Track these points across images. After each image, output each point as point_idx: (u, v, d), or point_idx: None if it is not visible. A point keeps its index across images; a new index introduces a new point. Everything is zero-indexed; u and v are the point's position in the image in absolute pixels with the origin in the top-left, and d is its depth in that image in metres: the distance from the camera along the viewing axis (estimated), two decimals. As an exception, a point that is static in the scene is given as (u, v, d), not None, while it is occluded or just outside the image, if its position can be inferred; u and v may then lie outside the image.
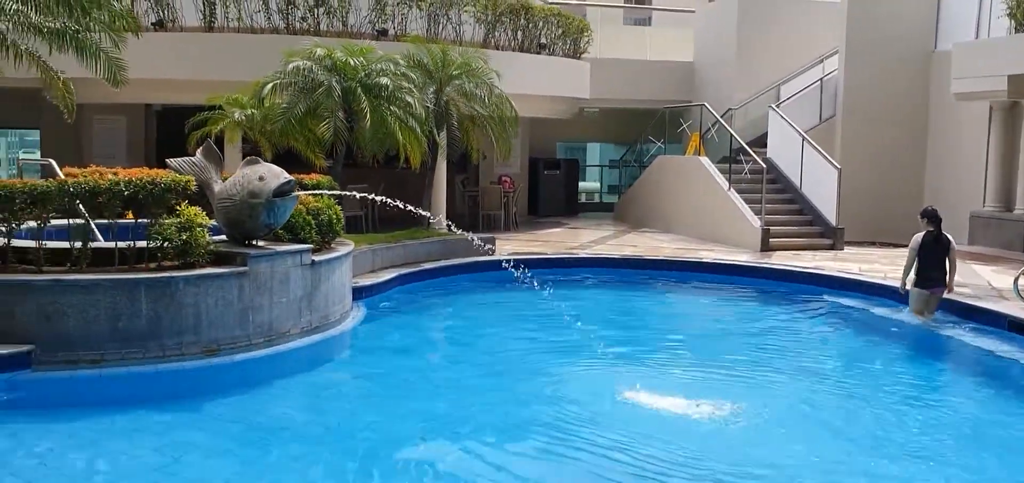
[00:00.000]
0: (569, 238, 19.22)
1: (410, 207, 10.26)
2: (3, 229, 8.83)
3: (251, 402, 8.66)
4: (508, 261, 10.70)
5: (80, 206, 8.96)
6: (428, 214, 11.43)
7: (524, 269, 10.32)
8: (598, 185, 30.14)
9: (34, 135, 35.27)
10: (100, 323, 8.53)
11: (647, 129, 23.79)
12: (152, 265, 9.08)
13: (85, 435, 7.49)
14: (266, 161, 10.51)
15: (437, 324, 12.59)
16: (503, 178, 21.17)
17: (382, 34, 17.20)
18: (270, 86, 12.76)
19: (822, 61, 21.81)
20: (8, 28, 8.10)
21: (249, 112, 13.27)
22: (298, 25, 17.07)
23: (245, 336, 9.32)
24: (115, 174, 9.61)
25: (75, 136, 21.38)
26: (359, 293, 11.92)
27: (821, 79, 21.76)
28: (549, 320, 11.62)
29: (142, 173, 9.32)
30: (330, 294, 10.54)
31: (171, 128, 22.54)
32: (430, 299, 13.37)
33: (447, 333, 12.19)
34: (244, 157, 11.09)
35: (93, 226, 9.47)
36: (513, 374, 9.62)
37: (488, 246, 15.27)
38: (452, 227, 11.16)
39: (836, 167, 17.99)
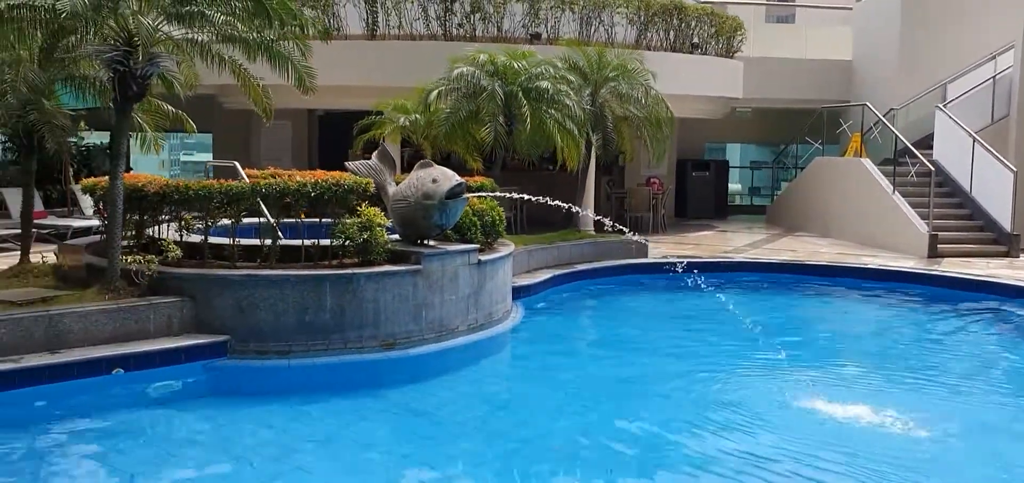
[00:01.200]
0: (720, 241, 18.90)
1: (576, 208, 10.39)
2: (201, 227, 9.54)
3: (425, 393, 9.01)
4: (676, 264, 10.62)
5: (262, 205, 9.55)
6: (598, 217, 11.49)
7: (694, 271, 10.23)
8: (739, 187, 29.42)
9: (192, 139, 37.75)
10: (288, 316, 9.06)
11: (803, 130, 23.05)
12: (334, 262, 9.58)
13: (275, 420, 7.99)
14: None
15: (595, 326, 12.68)
16: (651, 180, 21.04)
17: (535, 38, 17.45)
18: (436, 92, 13.19)
19: (995, 58, 20.52)
20: (212, 39, 8.71)
21: (413, 117, 13.75)
22: (455, 31, 17.55)
23: (418, 331, 9.69)
24: (289, 176, 10.22)
25: (243, 140, 22.78)
26: (517, 293, 12.15)
27: (993, 77, 20.47)
28: (709, 324, 11.50)
29: (324, 176, 9.82)
30: (494, 293, 10.81)
31: (332, 132, 23.72)
32: (585, 300, 13.47)
33: (606, 335, 12.24)
34: (404, 161, 11.53)
35: (268, 222, 10.10)
36: (683, 377, 9.56)
37: (641, 249, 15.26)
38: (616, 227, 11.21)
39: (1011, 170, 16.92)
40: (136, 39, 8.37)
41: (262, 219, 9.59)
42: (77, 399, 7.95)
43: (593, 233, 15.79)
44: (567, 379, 9.66)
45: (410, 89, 14.73)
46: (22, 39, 9.04)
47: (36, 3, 8.07)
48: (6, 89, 8.94)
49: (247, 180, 10.83)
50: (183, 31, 8.71)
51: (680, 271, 10.34)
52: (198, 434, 7.66)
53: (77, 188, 17.55)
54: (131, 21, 8.19)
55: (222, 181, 9.44)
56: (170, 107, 10.40)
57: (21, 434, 7.49)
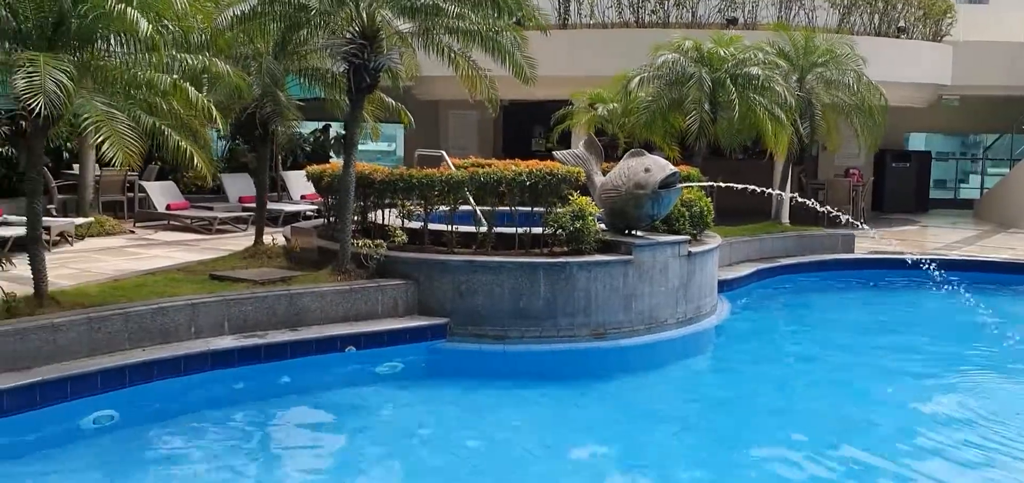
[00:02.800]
0: (926, 237, 17.75)
1: (808, 201, 10.08)
2: (422, 213, 9.87)
3: (638, 386, 8.96)
4: (925, 262, 9.95)
5: (466, 194, 9.75)
6: (808, 200, 11.02)
7: (932, 266, 9.62)
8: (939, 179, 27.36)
9: (385, 129, 39.38)
10: (504, 301, 9.23)
11: (1019, 119, 21.25)
12: (544, 250, 9.67)
13: (493, 402, 8.19)
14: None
15: (805, 324, 12.17)
16: (851, 171, 20.01)
17: (731, 23, 16.94)
18: (636, 79, 13.07)
19: None
20: (439, 30, 8.96)
21: (611, 106, 13.68)
22: (648, 19, 17.33)
23: (628, 322, 9.63)
24: (489, 165, 10.37)
25: (431, 129, 23.46)
26: (720, 287, 11.85)
27: None
28: (933, 325, 10.80)
29: (536, 165, 9.92)
30: (702, 286, 10.59)
31: (516, 121, 24.07)
32: (792, 296, 12.98)
33: (819, 333, 11.70)
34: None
35: (478, 212, 10.32)
36: (903, 381, 9.03)
37: (847, 243, 14.56)
38: (835, 214, 10.75)
39: None
40: (378, 32, 8.73)
41: (477, 207, 9.81)
42: (315, 374, 8.41)
43: (793, 226, 15.20)
44: (782, 378, 9.34)
45: (599, 78, 14.65)
46: (262, 34, 9.66)
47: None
48: (252, 80, 9.57)
49: (453, 168, 11.15)
50: (411, 24, 9.01)
51: (923, 267, 9.68)
52: (422, 413, 7.94)
53: (293, 174, 18.69)
54: (374, 16, 8.54)
55: (441, 170, 9.73)
56: (390, 100, 10.81)
57: (268, 406, 8.04)
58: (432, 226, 9.99)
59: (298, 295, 8.76)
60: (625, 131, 13.79)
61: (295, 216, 17.66)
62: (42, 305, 7.43)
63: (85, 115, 6.35)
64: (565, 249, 9.68)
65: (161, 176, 18.53)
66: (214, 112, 7.14)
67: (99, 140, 6.26)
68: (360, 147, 14.31)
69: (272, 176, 19.12)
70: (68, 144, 18.14)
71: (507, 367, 9.14)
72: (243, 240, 15.19)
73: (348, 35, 8.95)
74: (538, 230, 9.72)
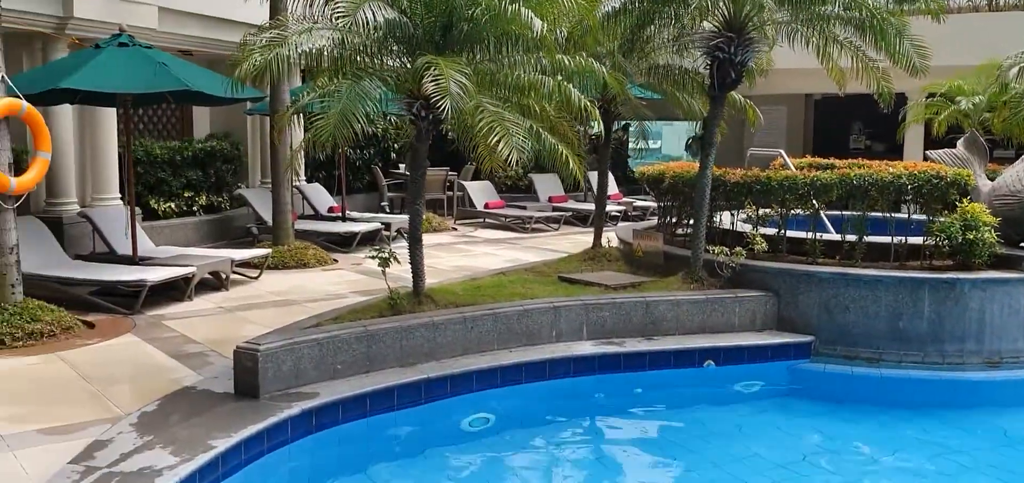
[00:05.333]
0: None
1: None
2: (778, 219, 9.12)
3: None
4: None
5: (813, 199, 8.83)
6: None
7: None
8: None
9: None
10: (879, 320, 8.26)
11: None
12: (923, 263, 8.56)
13: (862, 435, 7.28)
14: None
15: None
16: None
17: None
18: (1016, 69, 11.38)
19: None
20: (818, 19, 8.18)
21: (977, 98, 12.07)
22: (1005, 2, 15.26)
23: (1028, 351, 8.27)
24: (830, 166, 9.31)
25: (737, 128, 22.40)
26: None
27: None
28: None
29: (916, 166, 8.82)
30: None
31: (829, 117, 22.45)
32: None
33: None
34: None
35: (824, 218, 9.37)
36: None
37: None
38: None
39: None
40: (746, 23, 8.14)
41: (848, 213, 8.91)
42: (671, 388, 7.97)
43: None
44: None
45: (945, 69, 12.98)
46: (610, 31, 9.38)
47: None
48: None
49: (793, 169, 10.28)
50: (786, 13, 8.31)
51: None
52: (783, 439, 7.24)
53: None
54: (743, 6, 7.96)
55: (807, 172, 8.93)
56: (738, 96, 10.15)
57: (630, 417, 7.71)
58: (769, 231, 9.22)
59: (654, 303, 8.36)
60: (999, 128, 12.10)
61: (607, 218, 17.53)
62: (421, 302, 7.60)
63: (480, 116, 6.33)
64: (948, 263, 8.51)
65: (475, 176, 19.18)
66: (593, 113, 6.90)
67: (494, 141, 6.18)
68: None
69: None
70: (395, 145, 19.34)
71: (881, 395, 8.14)
72: (557, 239, 15.30)
73: (707, 27, 8.44)
74: (915, 240, 8.63)
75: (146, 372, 7.08)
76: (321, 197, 15.56)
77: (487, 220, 17.41)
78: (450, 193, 17.99)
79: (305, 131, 7.41)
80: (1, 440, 5.53)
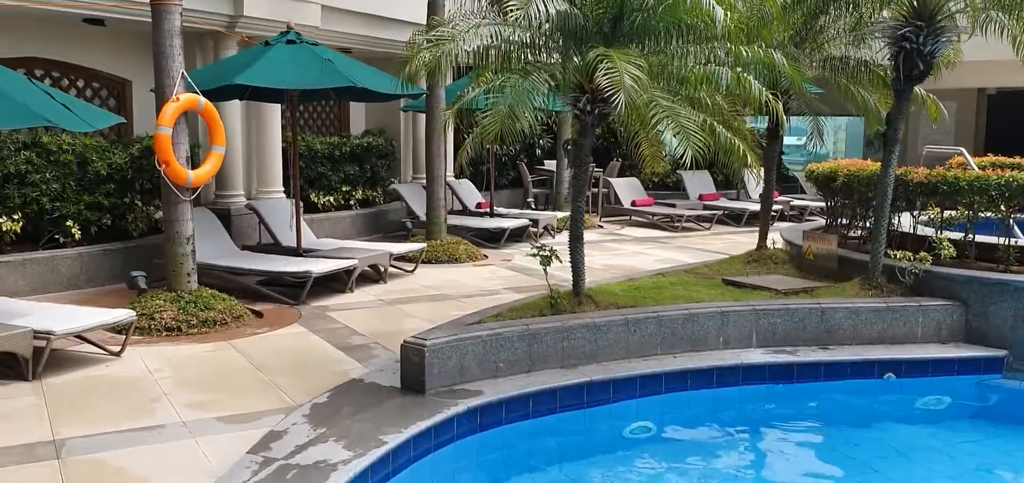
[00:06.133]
0: None
1: None
2: (966, 222, 8.42)
3: None
4: None
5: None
6: None
7: None
8: None
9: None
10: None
11: None
12: None
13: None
14: None
15: None
16: None
17: None
18: None
19: None
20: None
21: None
22: None
23: None
24: (1017, 166, 8.42)
25: (912, 123, 21.12)
26: None
27: None
28: None
29: None
30: None
31: (1004, 112, 20.79)
32: None
33: None
34: None
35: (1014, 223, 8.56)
36: None
37: None
38: None
39: None
40: (937, 11, 7.52)
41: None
42: (846, 401, 7.46)
43: None
44: None
45: None
46: (783, 19, 8.87)
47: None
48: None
49: (975, 168, 9.48)
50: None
51: None
52: (975, 463, 6.58)
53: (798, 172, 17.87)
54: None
55: (999, 172, 8.19)
56: (921, 89, 9.44)
57: (802, 432, 7.25)
58: (955, 235, 8.51)
59: (830, 310, 7.85)
60: None
61: (756, 215, 16.87)
62: (581, 303, 7.41)
63: (653, 111, 6.06)
64: None
65: (621, 172, 18.87)
66: (774, 106, 6.50)
67: (670, 136, 5.90)
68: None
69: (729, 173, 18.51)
70: (540, 141, 19.27)
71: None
72: (710, 239, 14.80)
73: (887, 16, 7.85)
74: None
75: (314, 362, 7.21)
76: (470, 193, 15.65)
77: (633, 218, 17.07)
78: (595, 190, 17.76)
79: (472, 127, 7.33)
80: (184, 426, 5.71)
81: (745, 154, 6.65)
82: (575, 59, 6.74)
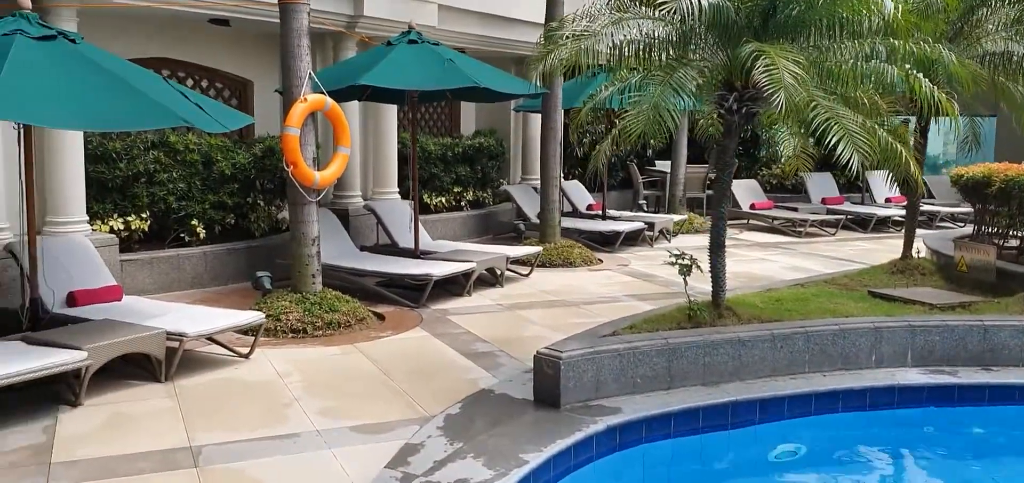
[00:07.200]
0: None
1: None
2: None
3: None
4: None
5: None
6: None
7: None
8: None
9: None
10: None
11: None
12: None
13: None
14: None
15: None
16: None
17: None
18: None
19: None
20: None
21: None
22: None
23: None
24: None
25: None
26: None
27: None
28: None
29: None
30: None
31: None
32: None
33: None
34: None
35: None
36: None
37: None
38: None
39: None
40: None
41: None
42: (1015, 428, 6.81)
43: None
44: None
45: None
46: (929, 18, 8.22)
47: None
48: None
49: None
50: None
51: None
52: None
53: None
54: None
55: None
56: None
57: (966, 463, 6.65)
58: None
59: (994, 328, 7.18)
60: None
61: (884, 221, 16.00)
62: (722, 315, 6.97)
63: (813, 112, 5.59)
64: None
65: (736, 174, 18.20)
66: (947, 107, 5.93)
67: (833, 140, 5.43)
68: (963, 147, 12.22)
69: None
70: (652, 142, 18.76)
71: None
72: (835, 246, 14.06)
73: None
74: None
75: (441, 369, 6.99)
76: (581, 194, 15.31)
77: (751, 222, 16.41)
78: (711, 191, 17.14)
79: (613, 127, 6.98)
80: (318, 435, 5.56)
81: (908, 161, 6.09)
82: (722, 55, 6.31)
